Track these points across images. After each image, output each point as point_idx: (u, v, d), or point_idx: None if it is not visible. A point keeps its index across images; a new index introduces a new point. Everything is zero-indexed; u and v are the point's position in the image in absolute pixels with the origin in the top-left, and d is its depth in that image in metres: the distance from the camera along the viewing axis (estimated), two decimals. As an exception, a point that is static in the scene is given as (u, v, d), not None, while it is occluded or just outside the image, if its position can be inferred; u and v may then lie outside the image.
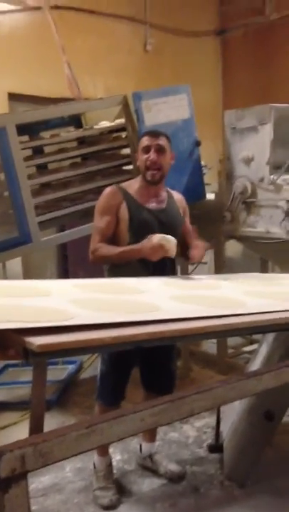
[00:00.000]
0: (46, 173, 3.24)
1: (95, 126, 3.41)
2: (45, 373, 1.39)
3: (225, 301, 1.73)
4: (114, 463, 2.48)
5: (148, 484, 2.43)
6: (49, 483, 2.42)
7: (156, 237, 2.17)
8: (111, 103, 3.33)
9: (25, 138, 3.17)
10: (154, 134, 2.40)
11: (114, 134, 3.44)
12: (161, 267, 2.28)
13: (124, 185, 2.43)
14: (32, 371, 1.54)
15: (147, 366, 2.45)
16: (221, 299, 1.76)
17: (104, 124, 3.41)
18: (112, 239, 2.33)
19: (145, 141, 2.36)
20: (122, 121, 3.34)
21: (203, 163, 3.56)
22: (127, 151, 3.38)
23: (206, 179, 3.63)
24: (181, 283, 2.18)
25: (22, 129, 2.98)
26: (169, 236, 2.19)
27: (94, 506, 2.27)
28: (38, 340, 1.16)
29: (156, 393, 2.24)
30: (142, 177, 2.39)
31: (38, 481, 2.41)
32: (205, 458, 2.62)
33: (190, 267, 3.72)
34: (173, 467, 2.47)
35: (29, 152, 3.23)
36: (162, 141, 2.35)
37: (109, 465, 2.42)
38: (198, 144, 3.41)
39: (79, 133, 3.44)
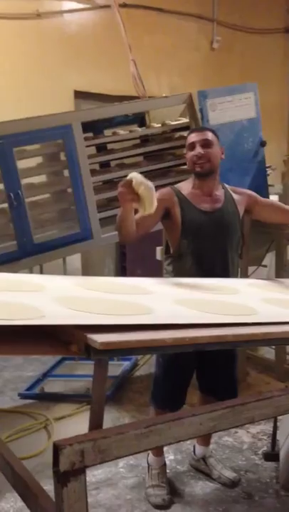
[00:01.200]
0: (109, 170, 3.27)
1: (159, 125, 3.40)
2: (106, 370, 1.40)
3: (232, 308, 1.62)
4: (167, 463, 2.47)
5: (201, 487, 2.40)
6: (102, 478, 2.45)
7: (131, 175, 1.88)
8: (176, 101, 3.31)
9: (90, 135, 3.21)
10: (199, 130, 2.39)
11: (178, 133, 3.43)
12: (213, 268, 2.23)
13: (178, 186, 2.38)
14: (88, 365, 1.54)
15: (206, 369, 2.39)
16: (229, 306, 1.64)
17: (170, 122, 3.39)
18: (141, 226, 2.19)
19: (190, 138, 2.33)
20: (186, 120, 3.32)
21: (267, 164, 3.48)
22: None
23: (270, 180, 3.55)
24: (194, 285, 1.98)
25: (87, 126, 3.02)
26: (146, 181, 1.86)
27: (146, 504, 2.27)
28: (100, 338, 1.16)
29: (215, 398, 2.18)
30: (193, 175, 2.35)
31: (92, 475, 2.44)
32: (260, 465, 2.56)
33: (250, 270, 3.66)
34: (227, 473, 2.43)
35: (93, 149, 3.27)
36: (208, 136, 2.31)
37: (164, 465, 2.42)
38: (263, 144, 3.34)
39: (142, 131, 3.44)
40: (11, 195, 2.78)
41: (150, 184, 1.85)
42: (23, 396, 3.42)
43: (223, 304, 1.65)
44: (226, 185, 2.41)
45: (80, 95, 4.90)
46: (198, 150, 2.28)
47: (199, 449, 2.53)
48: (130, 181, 1.86)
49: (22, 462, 1.46)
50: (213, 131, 2.36)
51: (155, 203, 1.87)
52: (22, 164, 2.89)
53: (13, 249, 2.83)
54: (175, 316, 1.42)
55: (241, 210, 2.37)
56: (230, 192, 2.38)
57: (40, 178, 3.12)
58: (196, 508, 2.24)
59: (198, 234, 2.25)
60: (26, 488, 1.35)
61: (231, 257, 2.30)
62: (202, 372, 2.40)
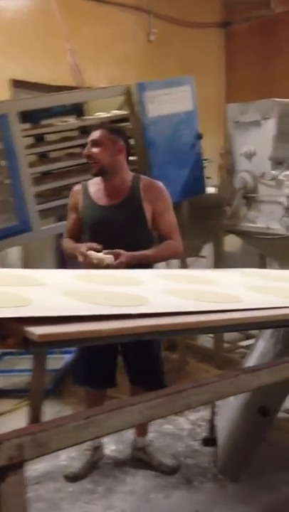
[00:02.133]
0: (47, 161, 3.22)
1: (97, 116, 3.38)
2: (44, 363, 1.39)
3: (220, 296, 1.70)
4: (108, 453, 2.49)
5: (142, 475, 2.44)
6: (43, 472, 2.43)
7: (92, 255, 2.15)
8: (114, 93, 3.31)
9: (27, 126, 3.15)
10: (94, 128, 2.43)
11: (117, 125, 3.42)
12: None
13: (90, 181, 2.45)
14: (28, 360, 1.53)
15: (127, 360, 2.45)
16: (217, 294, 1.72)
17: (106, 114, 3.38)
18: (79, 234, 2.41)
19: (91, 135, 2.39)
20: (124, 111, 3.32)
21: (204, 156, 3.54)
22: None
23: (207, 173, 3.62)
24: (177, 276, 2.13)
25: (24, 116, 2.96)
26: (107, 257, 2.12)
27: (88, 495, 2.28)
28: (38, 330, 1.15)
29: (142, 387, 2.29)
30: None
31: (33, 469, 2.41)
32: (199, 451, 2.63)
33: (188, 261, 3.72)
34: (167, 460, 2.49)
35: (31, 140, 3.21)
36: (98, 135, 2.35)
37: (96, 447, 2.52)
38: (200, 136, 3.40)
39: (80, 122, 3.41)
40: None
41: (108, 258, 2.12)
42: None
43: (210, 293, 1.70)
44: (143, 178, 2.43)
45: (17, 84, 4.78)
46: (87, 150, 2.36)
47: (138, 440, 2.57)
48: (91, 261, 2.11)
49: None
50: (110, 130, 2.39)
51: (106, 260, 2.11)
52: None
53: None
54: (173, 304, 1.45)
55: (148, 206, 2.35)
56: (140, 187, 2.37)
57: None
58: (137, 496, 2.28)
59: (94, 229, 2.34)
60: None
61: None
62: (126, 363, 2.46)
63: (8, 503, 1.06)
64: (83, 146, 3.35)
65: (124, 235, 2.29)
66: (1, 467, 1.05)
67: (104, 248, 2.22)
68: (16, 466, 1.08)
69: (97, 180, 2.42)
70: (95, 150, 2.33)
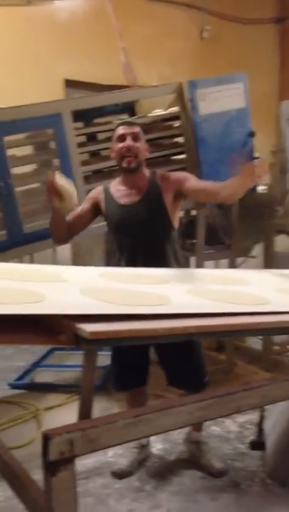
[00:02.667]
0: (99, 160, 3.25)
1: (149, 114, 3.39)
2: (95, 360, 1.41)
3: (245, 297, 1.65)
4: (155, 451, 2.49)
5: (189, 476, 2.42)
6: (91, 467, 2.46)
7: (58, 178, 2.09)
8: (165, 91, 3.30)
9: (80, 124, 3.19)
10: (129, 123, 2.40)
11: (168, 123, 3.41)
12: (151, 258, 2.23)
13: (112, 182, 2.45)
14: (78, 355, 1.54)
15: (165, 362, 2.41)
16: (242, 295, 1.67)
17: (158, 112, 3.38)
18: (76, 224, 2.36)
19: (120, 130, 2.35)
20: (175, 109, 3.31)
21: (255, 154, 3.48)
22: (180, 140, 3.34)
23: (259, 171, 3.55)
24: (206, 276, 2.07)
25: (77, 115, 3.00)
26: (68, 187, 2.09)
27: (135, 493, 2.29)
28: (89, 327, 1.16)
29: (182, 390, 2.28)
30: (119, 169, 2.39)
31: (81, 464, 2.45)
32: (246, 454, 2.59)
33: (238, 261, 3.67)
34: (215, 462, 2.46)
35: (83, 139, 3.25)
36: (137, 130, 2.35)
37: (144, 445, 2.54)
38: (252, 134, 3.33)
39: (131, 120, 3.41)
40: (0, 184, 2.75)
41: (70, 185, 2.10)
42: (13, 386, 3.43)
43: (237, 294, 1.67)
44: (157, 173, 2.41)
45: (70, 84, 4.86)
46: (128, 142, 2.31)
47: (192, 434, 2.57)
48: (54, 175, 2.07)
49: (11, 452, 1.47)
50: (141, 128, 2.39)
51: (74, 201, 2.10)
52: (12, 153, 2.86)
53: (2, 238, 2.81)
54: (192, 305, 1.44)
55: (168, 196, 2.34)
56: (158, 181, 2.37)
57: (30, 168, 3.09)
58: (184, 497, 2.26)
59: (117, 228, 2.34)
60: (15, 478, 1.35)
61: (162, 248, 2.31)
62: (163, 365, 2.43)
63: (58, 497, 1.08)
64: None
65: (147, 231, 2.30)
66: (52, 461, 1.07)
67: (129, 246, 2.27)
68: (67, 461, 1.10)
69: (117, 181, 2.43)
70: (137, 144, 2.32)
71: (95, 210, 2.40)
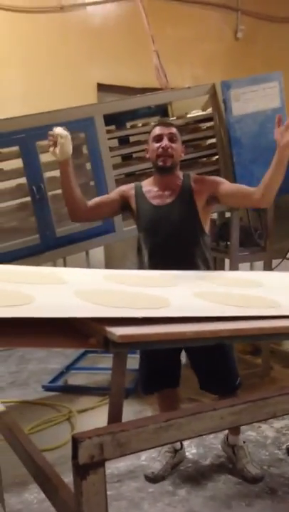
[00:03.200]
0: (131, 163, 3.25)
1: (181, 116, 3.37)
2: (125, 363, 1.40)
3: (252, 300, 1.58)
4: (189, 456, 2.46)
5: (224, 481, 2.39)
6: (125, 470, 2.45)
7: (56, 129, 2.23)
8: (198, 92, 3.27)
9: (112, 128, 3.20)
10: (166, 124, 2.39)
11: (201, 125, 3.39)
12: (180, 261, 2.20)
13: (144, 181, 2.43)
14: (111, 358, 1.54)
15: (197, 366, 2.40)
16: (249, 299, 1.59)
17: (193, 113, 3.36)
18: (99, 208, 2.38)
19: (157, 130, 2.34)
20: (209, 111, 3.28)
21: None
22: (213, 141, 3.31)
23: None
24: (215, 279, 2.00)
25: (109, 119, 3.01)
26: (64, 132, 2.21)
27: (168, 497, 2.27)
28: (119, 331, 1.15)
29: (214, 394, 2.28)
30: (154, 169, 2.37)
31: (114, 467, 2.45)
32: (284, 460, 2.53)
33: (274, 263, 3.60)
34: (251, 468, 2.41)
35: (115, 142, 3.25)
36: (175, 131, 2.33)
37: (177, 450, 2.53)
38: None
39: (165, 123, 3.40)
40: (34, 188, 2.79)
41: (66, 133, 2.22)
42: (46, 388, 3.46)
43: (244, 296, 1.62)
44: (191, 175, 2.38)
45: (102, 88, 4.89)
46: (166, 142, 2.29)
47: (230, 437, 2.54)
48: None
49: (43, 454, 1.47)
50: (177, 129, 2.37)
51: (68, 151, 2.22)
52: (45, 158, 2.89)
53: (35, 242, 2.84)
54: (193, 309, 1.40)
55: (201, 200, 2.31)
56: (191, 183, 2.34)
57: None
58: (218, 502, 2.23)
59: (148, 228, 2.32)
60: (47, 480, 1.35)
61: (191, 252, 2.28)
62: (195, 369, 2.41)
63: (88, 501, 1.07)
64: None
65: (177, 234, 2.27)
66: (82, 465, 1.07)
67: (158, 247, 2.27)
68: (97, 464, 1.09)
69: (150, 181, 2.41)
70: (174, 145, 2.31)
71: (123, 204, 2.40)
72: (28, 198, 2.82)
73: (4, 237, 2.81)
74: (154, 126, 2.41)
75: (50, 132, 2.22)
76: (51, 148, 2.23)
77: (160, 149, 2.30)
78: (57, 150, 2.21)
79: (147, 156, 2.41)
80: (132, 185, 2.43)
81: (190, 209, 2.30)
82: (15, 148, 2.78)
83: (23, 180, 2.83)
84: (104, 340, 1.18)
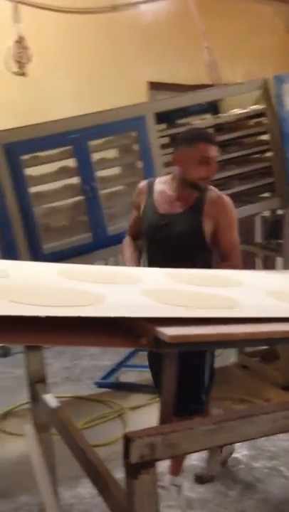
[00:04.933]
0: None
1: (232, 112, 3.33)
2: (175, 363, 1.40)
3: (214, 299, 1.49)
4: (241, 458, 2.44)
5: (275, 485, 2.34)
6: (175, 469, 2.45)
7: None
8: (250, 87, 3.22)
9: (163, 126, 3.20)
10: (213, 142, 2.18)
11: (253, 120, 3.33)
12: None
13: (158, 180, 2.31)
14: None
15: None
16: (211, 297, 1.51)
17: (242, 110, 3.31)
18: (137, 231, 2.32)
19: (206, 151, 2.13)
20: (260, 106, 3.22)
21: None
22: (265, 137, 3.25)
23: None
24: (190, 276, 1.87)
25: (160, 117, 3.01)
26: None
27: (220, 498, 2.25)
28: (169, 331, 1.15)
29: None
30: (183, 181, 2.17)
31: (165, 466, 2.44)
32: None
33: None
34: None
35: (166, 140, 3.25)
36: (218, 153, 2.19)
37: None
38: None
39: (216, 120, 3.37)
40: (86, 187, 2.83)
41: None
42: (99, 385, 3.51)
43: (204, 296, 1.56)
44: (212, 190, 2.21)
45: (154, 86, 4.90)
46: (213, 168, 2.15)
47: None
48: None
49: (94, 449, 1.49)
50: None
51: None
52: (97, 157, 2.93)
53: (88, 240, 2.88)
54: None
55: (209, 220, 2.16)
56: (207, 198, 2.18)
57: (114, 171, 3.15)
58: (270, 505, 2.20)
59: (149, 234, 2.23)
60: (98, 476, 1.37)
61: (189, 267, 2.01)
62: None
63: (140, 501, 1.08)
64: (219, 144, 3.33)
65: (179, 246, 2.15)
66: (134, 464, 1.07)
67: (156, 254, 2.20)
68: (148, 464, 1.09)
69: (167, 181, 2.27)
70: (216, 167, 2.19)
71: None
72: (80, 197, 2.87)
73: (57, 236, 2.87)
74: (202, 141, 2.15)
75: None
76: None
77: (207, 174, 2.15)
78: None
79: (178, 164, 2.19)
80: (144, 184, 2.31)
81: (196, 225, 2.16)
82: (67, 148, 2.83)
83: (73, 180, 2.88)
84: (154, 340, 1.19)
